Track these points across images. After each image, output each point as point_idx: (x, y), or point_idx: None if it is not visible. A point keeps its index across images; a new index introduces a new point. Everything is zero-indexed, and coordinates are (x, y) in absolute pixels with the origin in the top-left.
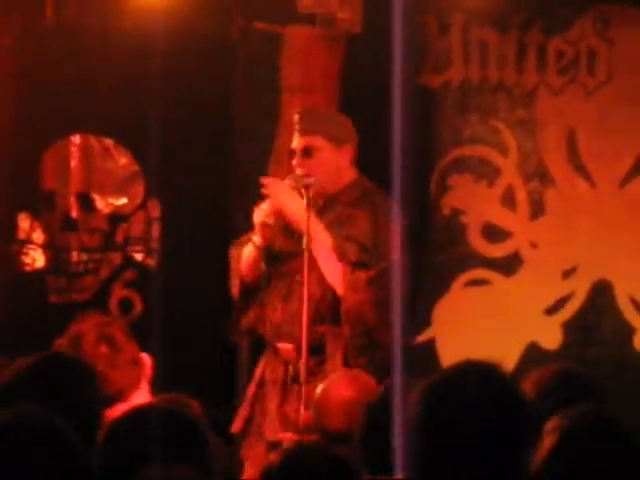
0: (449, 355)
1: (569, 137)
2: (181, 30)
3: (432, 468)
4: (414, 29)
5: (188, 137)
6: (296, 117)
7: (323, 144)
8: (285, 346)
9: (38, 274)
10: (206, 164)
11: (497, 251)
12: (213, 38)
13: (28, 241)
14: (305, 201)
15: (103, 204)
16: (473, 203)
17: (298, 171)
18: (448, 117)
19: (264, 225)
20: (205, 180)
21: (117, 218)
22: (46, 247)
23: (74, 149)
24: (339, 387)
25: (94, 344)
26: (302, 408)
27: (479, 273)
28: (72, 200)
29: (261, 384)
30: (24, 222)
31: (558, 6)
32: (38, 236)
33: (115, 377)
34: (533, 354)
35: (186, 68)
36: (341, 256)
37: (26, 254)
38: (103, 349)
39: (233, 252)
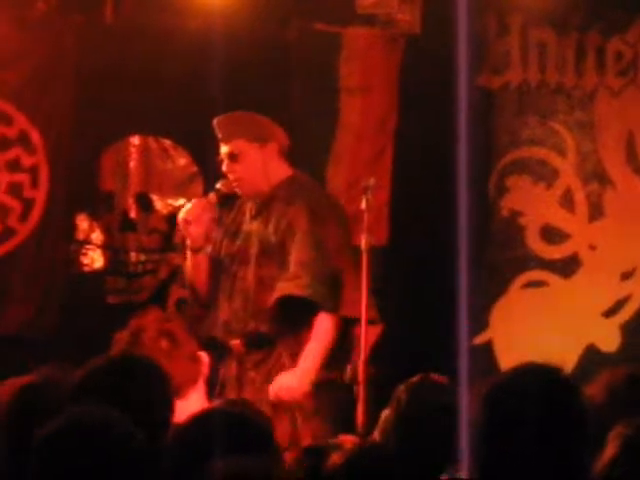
0: (506, 356)
1: (628, 139)
2: (240, 30)
3: (494, 469)
4: (474, 30)
5: None
6: (216, 126)
7: (245, 146)
8: (235, 342)
9: (97, 274)
10: None
11: (555, 253)
12: (272, 38)
13: (87, 242)
14: (364, 203)
15: (162, 205)
16: (531, 205)
17: (230, 177)
18: (507, 118)
19: (185, 222)
20: None
21: (176, 219)
22: (105, 248)
23: (133, 150)
24: None
25: (154, 338)
26: (361, 409)
27: (537, 275)
28: (131, 201)
29: (223, 384)
30: (83, 223)
31: (617, 7)
32: (97, 237)
33: (173, 372)
34: (591, 356)
35: (245, 68)
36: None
37: (85, 255)
38: (163, 344)
39: (185, 262)
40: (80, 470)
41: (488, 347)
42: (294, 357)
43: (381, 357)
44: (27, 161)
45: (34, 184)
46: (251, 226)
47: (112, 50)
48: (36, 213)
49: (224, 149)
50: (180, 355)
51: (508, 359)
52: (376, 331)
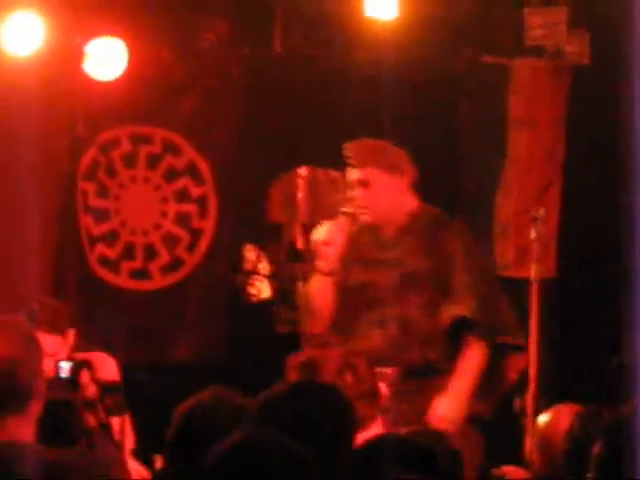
0: None
1: None
2: (408, 62)
3: None
4: None
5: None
6: (348, 151)
7: (378, 175)
8: (386, 370)
9: (264, 305)
10: (433, 196)
11: None
12: (441, 70)
13: (254, 272)
14: (534, 233)
15: None
16: None
17: (357, 202)
18: None
19: (324, 244)
20: None
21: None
22: (272, 278)
23: (301, 181)
24: (566, 416)
25: (338, 372)
26: (529, 440)
27: None
28: (298, 232)
29: None
30: (250, 253)
31: None
32: (264, 267)
33: (355, 407)
34: None
35: (413, 100)
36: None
37: (252, 285)
38: (347, 378)
39: (300, 289)
40: None
41: None
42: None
43: (546, 388)
44: (195, 191)
45: (202, 214)
46: (388, 254)
47: (279, 81)
48: (204, 243)
49: (355, 174)
50: (362, 390)
51: None
52: (524, 360)
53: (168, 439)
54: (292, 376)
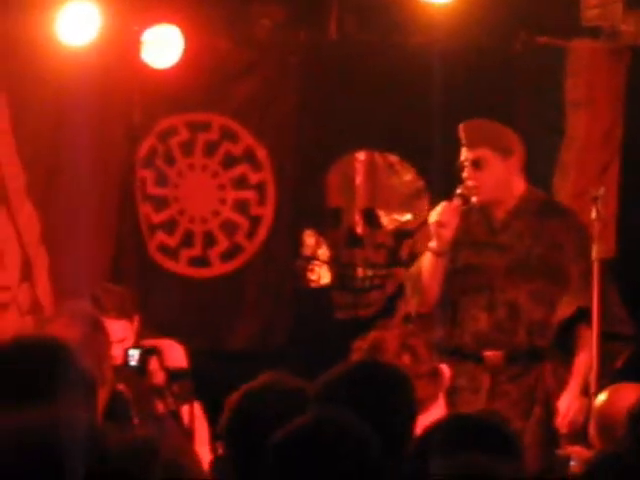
0: None
1: None
2: (463, 46)
3: None
4: None
5: None
6: (462, 131)
7: (491, 156)
8: (493, 354)
9: (324, 290)
10: None
11: None
12: (496, 52)
13: (314, 257)
14: (594, 213)
15: (388, 220)
16: None
17: (469, 183)
18: None
19: (439, 224)
20: None
21: (402, 234)
22: (331, 263)
23: (359, 165)
24: (626, 395)
25: (396, 353)
26: (593, 419)
27: None
28: (357, 216)
29: (451, 392)
30: (310, 238)
31: None
32: (323, 252)
33: (415, 388)
34: None
35: (468, 83)
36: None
37: (312, 270)
38: (405, 359)
39: (404, 273)
40: (317, 473)
41: None
42: (556, 375)
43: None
44: (253, 178)
45: (261, 201)
46: (498, 238)
47: (335, 66)
48: (263, 230)
49: (468, 155)
50: (421, 371)
51: None
52: (630, 348)
53: (226, 424)
54: (356, 358)
